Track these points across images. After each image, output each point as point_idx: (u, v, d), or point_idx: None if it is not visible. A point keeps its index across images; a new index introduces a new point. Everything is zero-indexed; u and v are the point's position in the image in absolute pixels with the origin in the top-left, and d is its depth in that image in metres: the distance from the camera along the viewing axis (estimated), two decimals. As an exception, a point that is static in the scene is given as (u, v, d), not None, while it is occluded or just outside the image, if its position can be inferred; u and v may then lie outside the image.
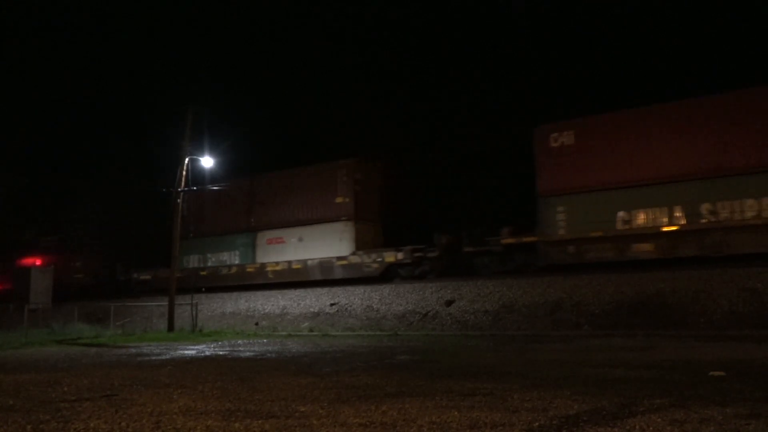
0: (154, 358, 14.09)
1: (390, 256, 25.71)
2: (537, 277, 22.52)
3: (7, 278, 35.79)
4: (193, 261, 32.42)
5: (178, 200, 25.52)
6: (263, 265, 29.52)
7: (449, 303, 22.89)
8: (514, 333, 19.38)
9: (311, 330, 23.63)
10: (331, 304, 25.66)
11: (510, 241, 23.32)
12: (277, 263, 28.98)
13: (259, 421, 5.91)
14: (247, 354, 14.49)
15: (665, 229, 20.71)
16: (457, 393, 7.28)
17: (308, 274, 27.95)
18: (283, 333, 23.41)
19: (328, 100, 63.11)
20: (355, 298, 25.40)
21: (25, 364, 13.25)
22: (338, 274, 26.62)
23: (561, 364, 10.37)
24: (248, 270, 30.17)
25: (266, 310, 27.32)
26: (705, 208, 20.13)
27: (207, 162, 25.99)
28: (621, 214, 21.36)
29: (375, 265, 26.09)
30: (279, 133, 54.48)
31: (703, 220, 20.11)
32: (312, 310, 25.93)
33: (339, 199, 24.22)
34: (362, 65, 64.47)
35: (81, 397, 7.76)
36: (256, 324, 26.28)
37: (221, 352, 15.17)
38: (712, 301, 18.30)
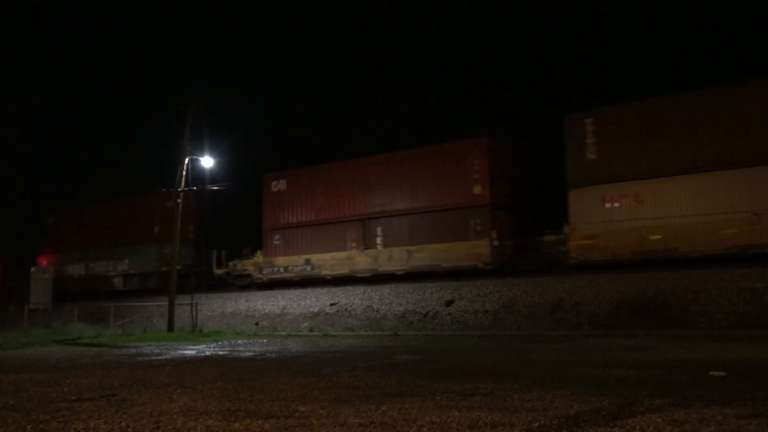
0: (154, 358, 14.08)
1: None
2: (537, 277, 22.54)
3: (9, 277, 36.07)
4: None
5: (178, 200, 25.53)
6: None
7: (449, 303, 22.89)
8: (514, 333, 19.37)
9: (311, 330, 23.63)
10: (331, 304, 25.67)
11: None
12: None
13: (259, 421, 5.90)
14: (247, 354, 14.49)
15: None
16: (457, 393, 7.28)
17: None
18: (283, 333, 23.41)
19: (328, 100, 63.18)
20: (355, 298, 25.41)
21: (25, 364, 13.25)
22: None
23: (561, 364, 10.36)
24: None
25: (266, 310, 27.32)
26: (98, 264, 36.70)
27: (207, 162, 26.05)
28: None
29: None
30: (279, 133, 54.56)
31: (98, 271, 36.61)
32: (312, 310, 25.94)
33: None
34: (362, 64, 64.48)
35: (81, 397, 7.76)
36: (256, 324, 26.28)
37: (221, 352, 15.17)
38: (712, 301, 18.29)
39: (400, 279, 25.65)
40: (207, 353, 15.03)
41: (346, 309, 24.99)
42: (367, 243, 26.40)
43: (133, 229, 34.20)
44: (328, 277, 27.41)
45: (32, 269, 32.09)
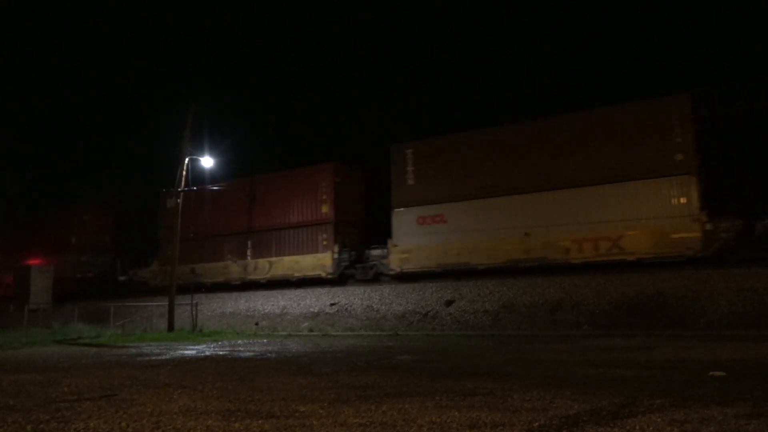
0: (154, 358, 14.08)
1: None
2: (537, 277, 22.53)
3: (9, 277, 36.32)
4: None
5: (178, 200, 25.54)
6: None
7: (449, 303, 22.89)
8: (514, 333, 19.37)
9: (311, 330, 23.63)
10: (331, 304, 25.67)
11: None
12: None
13: (259, 421, 5.91)
14: (247, 354, 14.49)
15: None
16: (457, 393, 7.28)
17: None
18: (283, 333, 23.40)
19: (327, 99, 63.21)
20: (355, 298, 25.40)
21: (25, 364, 13.24)
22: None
23: (561, 364, 10.36)
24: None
25: (266, 310, 27.32)
26: None
27: (207, 162, 26.07)
28: None
29: None
30: (278, 133, 54.56)
31: None
32: (312, 310, 25.93)
33: None
34: (361, 64, 64.51)
35: (81, 397, 7.76)
36: (256, 324, 26.28)
37: (221, 352, 15.16)
38: (712, 301, 18.29)
39: (293, 284, 28.30)
40: (207, 353, 15.03)
41: (346, 309, 24.99)
42: (240, 255, 30.46)
43: (56, 239, 37.81)
44: (209, 284, 31.03)
45: (32, 269, 32.14)
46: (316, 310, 25.76)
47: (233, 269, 30.54)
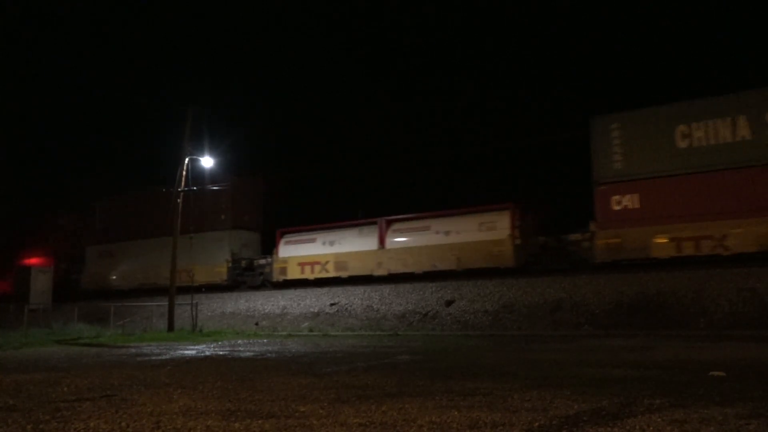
0: (154, 358, 14.08)
1: None
2: (537, 277, 22.54)
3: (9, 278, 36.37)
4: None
5: (178, 200, 25.52)
6: None
7: (449, 303, 22.89)
8: (514, 333, 19.37)
9: (311, 330, 23.62)
10: (331, 304, 25.66)
11: None
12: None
13: (259, 421, 5.90)
14: (247, 354, 14.49)
15: None
16: (457, 393, 7.28)
17: None
18: (283, 333, 23.40)
19: (327, 99, 63.20)
20: (355, 298, 25.40)
21: (25, 364, 13.24)
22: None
23: (561, 364, 10.36)
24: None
25: (266, 310, 27.31)
26: None
27: (207, 162, 26.07)
28: None
29: None
30: (278, 133, 54.55)
31: None
32: (312, 310, 25.93)
33: None
34: (361, 64, 64.51)
35: (81, 397, 7.76)
36: (256, 324, 26.28)
37: (221, 352, 15.16)
38: (712, 301, 18.30)
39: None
40: (207, 353, 15.03)
41: (346, 309, 24.98)
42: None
43: None
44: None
45: (32, 269, 32.16)
46: (316, 310, 25.76)
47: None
